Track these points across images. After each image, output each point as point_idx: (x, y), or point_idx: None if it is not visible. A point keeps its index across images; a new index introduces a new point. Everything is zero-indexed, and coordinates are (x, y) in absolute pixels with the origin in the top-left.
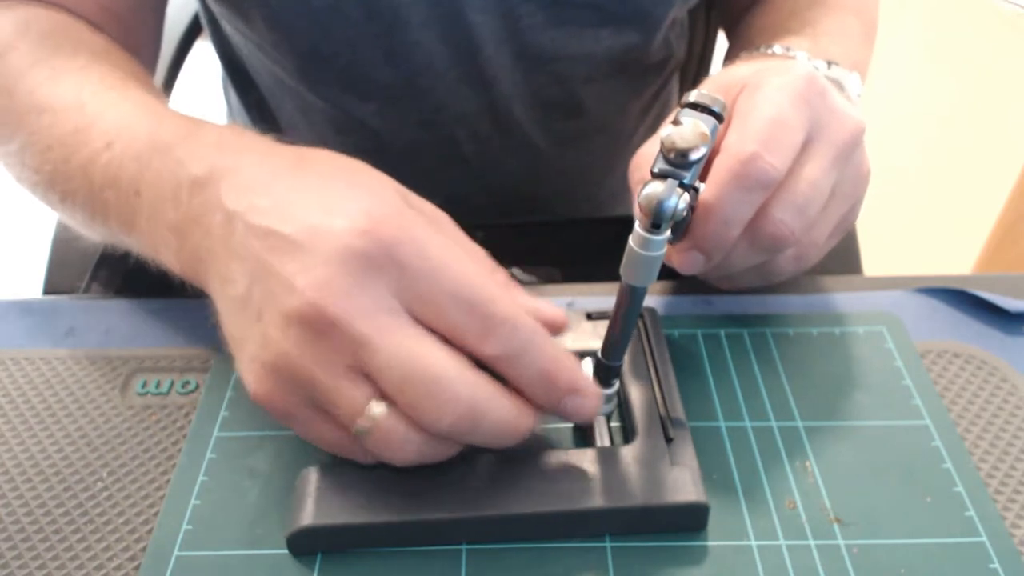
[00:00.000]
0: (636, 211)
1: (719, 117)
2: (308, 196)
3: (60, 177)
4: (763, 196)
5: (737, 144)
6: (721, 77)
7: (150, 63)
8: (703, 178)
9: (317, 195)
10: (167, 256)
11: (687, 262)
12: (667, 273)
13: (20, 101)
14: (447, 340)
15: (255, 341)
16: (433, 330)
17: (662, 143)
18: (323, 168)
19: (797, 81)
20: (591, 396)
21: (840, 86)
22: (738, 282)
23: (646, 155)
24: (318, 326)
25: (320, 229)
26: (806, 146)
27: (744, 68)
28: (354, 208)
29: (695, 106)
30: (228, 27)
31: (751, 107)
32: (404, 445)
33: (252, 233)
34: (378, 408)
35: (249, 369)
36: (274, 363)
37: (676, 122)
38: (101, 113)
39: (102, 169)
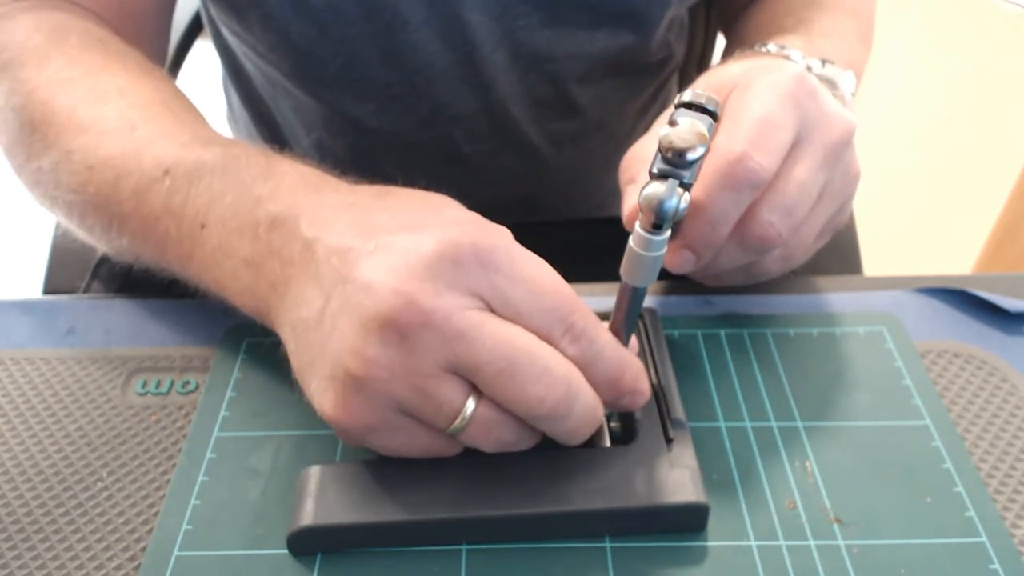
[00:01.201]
0: (626, 211)
1: (714, 116)
2: (390, 217)
3: (105, 200)
4: (751, 196)
5: (726, 144)
6: (713, 76)
7: (158, 63)
8: None
9: (399, 216)
10: (234, 288)
11: (678, 261)
12: (664, 273)
13: (58, 116)
14: None
15: (329, 360)
16: None
17: (660, 143)
18: (403, 197)
19: (787, 80)
20: (646, 392)
21: (833, 85)
22: (725, 280)
23: (635, 156)
24: (404, 327)
25: (404, 241)
26: (795, 146)
27: (736, 67)
28: (439, 221)
29: (690, 105)
30: (225, 30)
31: (740, 106)
32: (502, 430)
33: (332, 252)
34: (471, 402)
35: (325, 389)
36: (355, 376)
37: (672, 122)
38: (154, 138)
39: (163, 197)
